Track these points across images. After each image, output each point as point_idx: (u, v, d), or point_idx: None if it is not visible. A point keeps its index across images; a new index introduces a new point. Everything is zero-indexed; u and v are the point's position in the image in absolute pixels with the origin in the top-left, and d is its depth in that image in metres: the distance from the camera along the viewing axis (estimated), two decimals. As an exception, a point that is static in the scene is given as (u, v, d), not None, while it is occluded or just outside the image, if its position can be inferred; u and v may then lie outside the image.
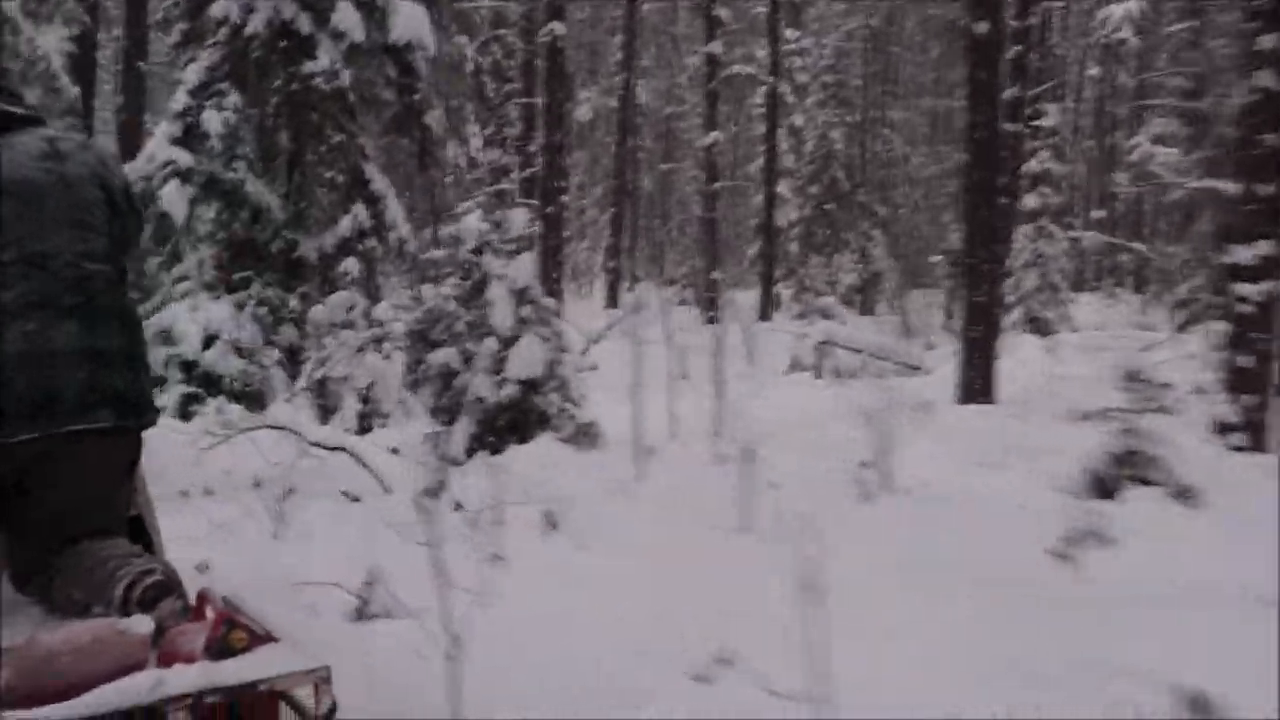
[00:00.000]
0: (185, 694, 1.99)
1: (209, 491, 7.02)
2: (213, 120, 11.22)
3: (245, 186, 11.35)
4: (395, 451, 7.74)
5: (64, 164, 2.74)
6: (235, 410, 10.26)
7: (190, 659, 2.11)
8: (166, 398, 10.22)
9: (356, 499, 6.41)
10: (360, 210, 11.68)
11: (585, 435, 8.27)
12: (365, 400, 9.46)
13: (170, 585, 2.44)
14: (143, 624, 2.20)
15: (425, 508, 4.02)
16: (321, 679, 2.13)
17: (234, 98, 11.31)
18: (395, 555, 4.49)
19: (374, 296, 10.95)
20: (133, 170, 11.41)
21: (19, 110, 2.80)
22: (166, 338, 10.76)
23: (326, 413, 9.42)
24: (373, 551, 4.74)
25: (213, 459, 7.56)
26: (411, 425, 9.12)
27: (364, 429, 9.23)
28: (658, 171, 42.55)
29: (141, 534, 2.91)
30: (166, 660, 2.16)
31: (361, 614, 4.33)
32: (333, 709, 2.16)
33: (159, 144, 11.40)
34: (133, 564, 2.47)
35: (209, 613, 2.36)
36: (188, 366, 10.57)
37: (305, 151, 12.13)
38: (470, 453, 7.53)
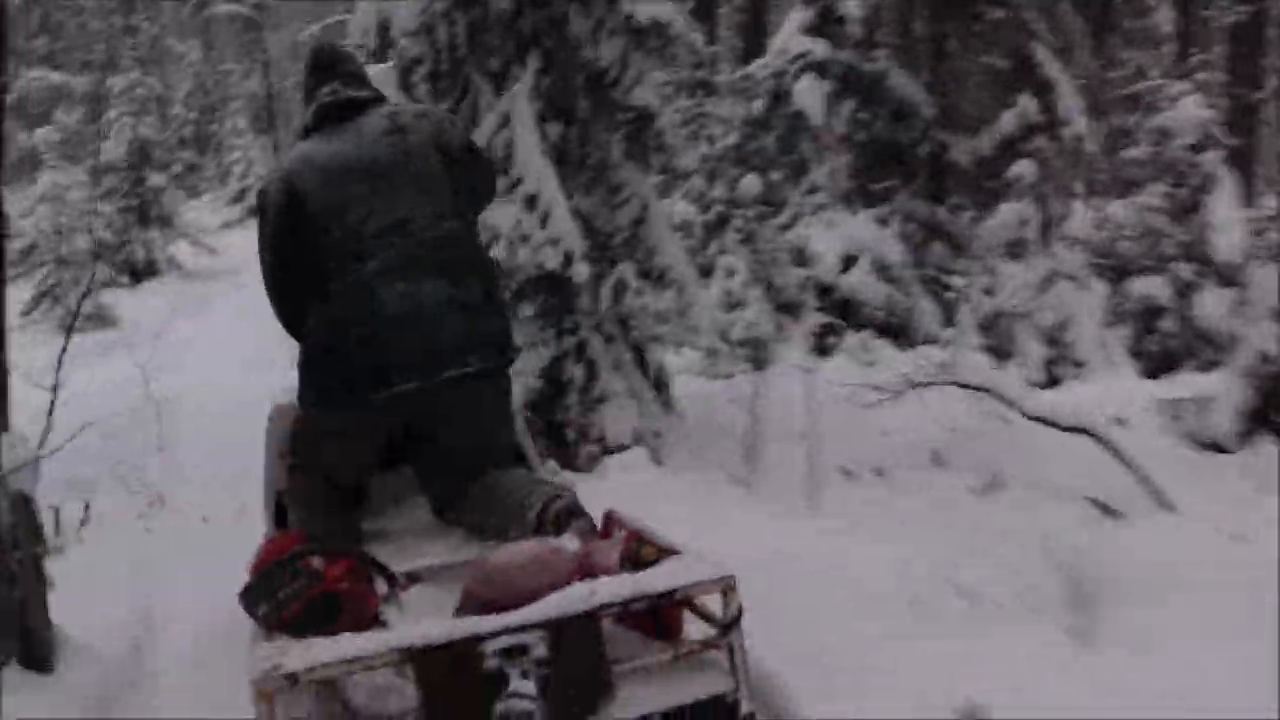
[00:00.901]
0: (615, 601, 2.19)
1: (879, 471, 5.33)
2: (851, 3, 9.51)
3: (887, 79, 9.53)
4: (1120, 423, 5.54)
5: (405, 137, 2.95)
6: (878, 346, 8.63)
7: (607, 571, 2.31)
8: (800, 327, 8.80)
9: (1110, 510, 4.33)
10: (1026, 102, 9.34)
11: None
12: (1052, 342, 7.32)
13: (576, 508, 2.70)
14: (571, 542, 2.44)
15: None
16: (729, 586, 2.27)
17: (878, -28, 9.48)
18: None
19: (1047, 210, 8.65)
20: (760, 67, 10.08)
21: (365, 94, 3.05)
22: (799, 258, 9.35)
23: (999, 356, 7.42)
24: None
25: (874, 418, 5.89)
26: (1119, 379, 6.84)
27: (1051, 380, 7.12)
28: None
29: (521, 459, 3.26)
30: (584, 573, 2.31)
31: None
32: (739, 613, 2.28)
33: (789, 34, 9.92)
34: (541, 489, 2.80)
35: (616, 531, 2.62)
36: (824, 291, 9.07)
37: (949, 34, 10.01)
38: (1245, 435, 5.14)
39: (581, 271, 5.56)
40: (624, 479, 5.07)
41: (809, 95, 9.49)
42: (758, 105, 9.92)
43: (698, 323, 6.20)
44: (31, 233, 12.44)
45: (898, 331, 8.96)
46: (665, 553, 2.38)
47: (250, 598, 2.34)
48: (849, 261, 9.19)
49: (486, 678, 2.07)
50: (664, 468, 5.17)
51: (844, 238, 9.29)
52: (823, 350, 8.64)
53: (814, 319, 8.86)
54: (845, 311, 8.99)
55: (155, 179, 15.93)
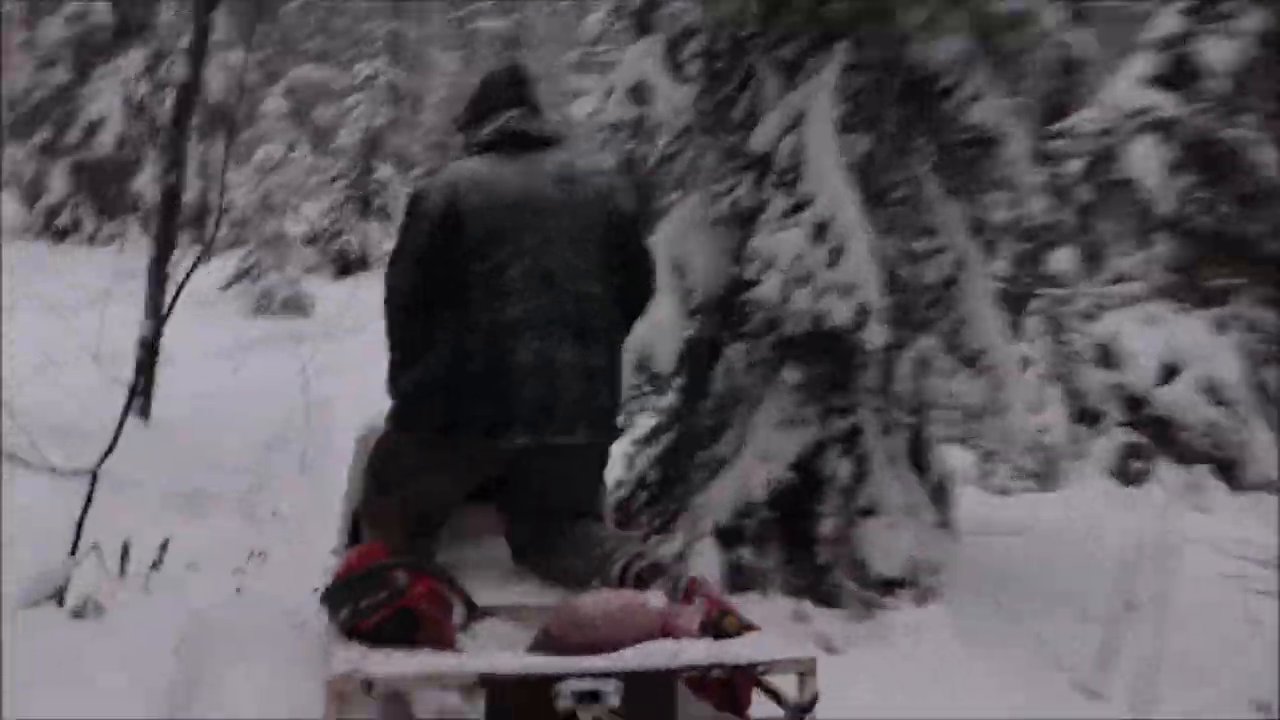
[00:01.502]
0: (697, 664, 2.21)
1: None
2: (1215, 51, 7.71)
3: (1247, 152, 7.66)
4: None
5: (575, 187, 2.86)
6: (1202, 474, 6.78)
7: (688, 634, 2.32)
8: (1103, 443, 7.02)
9: None
10: None
11: None
12: None
13: (661, 567, 2.71)
14: (657, 599, 2.42)
15: None
16: (809, 669, 2.25)
17: (1255, 18, 7.65)
18: None
19: None
20: (1085, 121, 8.36)
21: (546, 131, 2.95)
22: (1103, 356, 7.55)
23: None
24: None
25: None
26: None
27: None
28: None
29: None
30: (665, 632, 2.32)
31: None
32: (814, 699, 2.23)
33: (1127, 84, 8.17)
34: (627, 546, 2.78)
35: (698, 597, 2.54)
36: (1134, 404, 7.24)
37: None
38: None
39: (876, 335, 4.03)
40: (911, 649, 3.47)
41: (1145, 162, 7.72)
42: (1073, 166, 8.22)
43: (1011, 428, 4.58)
44: (241, 206, 11.83)
45: (1225, 466, 7.05)
46: (747, 628, 2.42)
47: (333, 600, 2.42)
48: (1169, 371, 7.34)
49: (556, 716, 2.07)
50: (964, 637, 3.54)
51: (1165, 341, 7.44)
52: (1127, 477, 6.83)
53: (1118, 435, 7.05)
54: (1159, 432, 7.14)
55: (384, 170, 15.28)
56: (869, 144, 4.40)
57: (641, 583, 2.58)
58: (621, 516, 4.54)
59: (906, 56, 4.41)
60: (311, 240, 15.11)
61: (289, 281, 11.16)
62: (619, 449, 3.98)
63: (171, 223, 5.96)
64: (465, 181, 2.78)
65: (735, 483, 4.37)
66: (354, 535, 3.15)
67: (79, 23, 15.36)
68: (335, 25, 34.36)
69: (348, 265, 14.66)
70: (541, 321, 2.72)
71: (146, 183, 16.08)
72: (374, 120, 14.98)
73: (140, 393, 5.84)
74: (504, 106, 2.93)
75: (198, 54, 6.40)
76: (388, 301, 2.91)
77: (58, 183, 16.04)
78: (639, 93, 4.24)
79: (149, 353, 5.81)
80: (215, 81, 16.60)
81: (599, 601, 2.36)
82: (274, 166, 11.25)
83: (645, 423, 4.79)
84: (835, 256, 4.05)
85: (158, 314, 5.78)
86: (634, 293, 3.00)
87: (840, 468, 4.36)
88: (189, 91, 6.42)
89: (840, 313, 3.99)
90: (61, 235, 15.79)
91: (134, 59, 15.62)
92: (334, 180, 15.21)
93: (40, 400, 5.21)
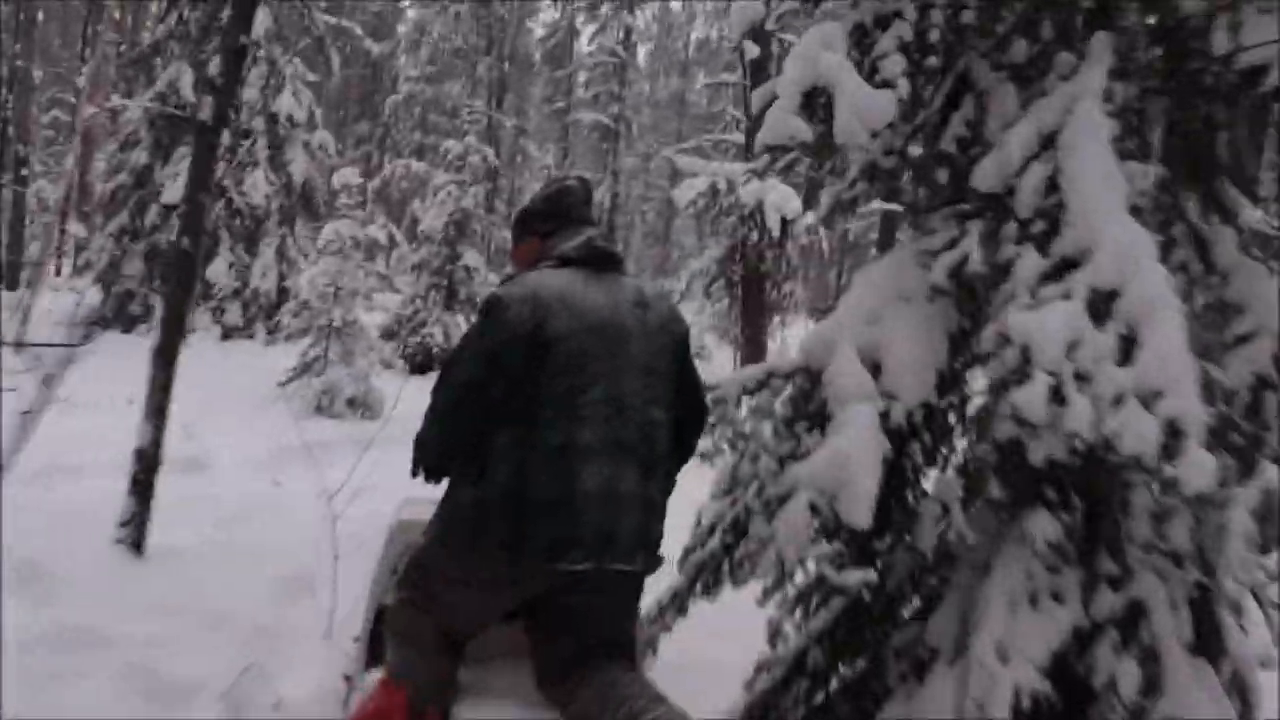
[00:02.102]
0: None
1: None
2: None
3: None
4: None
5: (648, 313, 2.85)
6: None
7: None
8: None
9: None
10: None
11: None
12: None
13: None
14: None
15: None
16: None
17: None
18: None
19: None
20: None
21: (618, 254, 2.94)
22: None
23: None
24: None
25: None
26: None
27: None
28: None
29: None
30: None
31: None
32: None
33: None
34: (657, 708, 2.62)
35: None
36: None
37: None
38: None
39: (1199, 470, 2.50)
40: None
41: None
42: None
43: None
44: (305, 290, 10.63)
45: None
46: None
47: None
48: None
49: None
50: None
51: None
52: None
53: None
54: None
55: (470, 256, 14.09)
56: (1155, 177, 2.93)
57: None
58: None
59: (1207, 45, 2.96)
60: (390, 334, 13.94)
61: (357, 378, 9.88)
62: (743, 600, 3.37)
63: (183, 303, 4.68)
64: (553, 298, 2.72)
65: (953, 689, 2.86)
66: (374, 638, 3.12)
67: (163, 102, 14.68)
68: (431, 122, 34.34)
69: (428, 360, 13.39)
70: (610, 449, 2.70)
71: (221, 271, 15.21)
72: (462, 202, 13.83)
73: (131, 520, 4.55)
74: (581, 222, 2.93)
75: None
76: (440, 405, 2.78)
77: (131, 268, 15.27)
78: (813, 101, 2.83)
79: (147, 468, 4.52)
80: (296, 164, 15.86)
81: None
82: (340, 248, 10.04)
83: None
84: (1126, 345, 2.57)
85: (158, 417, 4.50)
86: (691, 421, 3.00)
87: (1120, 669, 2.82)
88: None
89: (1141, 433, 2.49)
90: (132, 323, 14.94)
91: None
92: (416, 269, 14.07)
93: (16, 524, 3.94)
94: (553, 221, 2.92)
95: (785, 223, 12.27)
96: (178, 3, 15.98)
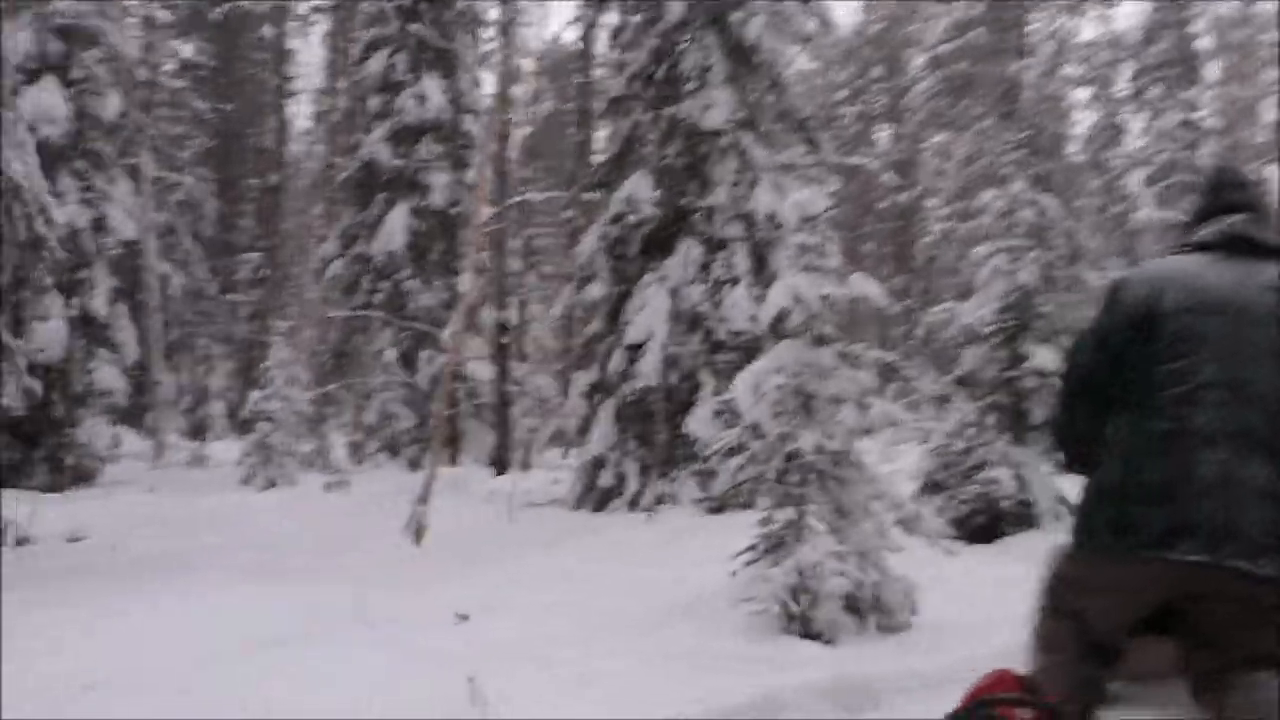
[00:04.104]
0: None
1: None
2: None
3: None
4: None
5: None
6: None
7: None
8: None
9: None
10: None
11: None
12: None
13: None
14: None
15: None
16: None
17: None
18: None
19: None
20: None
21: (1269, 241, 2.82)
22: None
23: None
24: None
25: None
26: None
27: None
28: None
29: None
30: None
31: None
32: None
33: None
34: None
35: None
36: None
37: None
38: None
39: None
40: None
41: None
42: None
43: None
44: (746, 402, 6.30)
45: None
46: None
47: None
48: None
49: None
50: None
51: None
52: None
53: None
54: None
55: (1042, 355, 9.13)
56: None
57: None
58: None
59: None
60: (932, 486, 9.29)
61: (857, 558, 5.38)
62: None
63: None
64: (1168, 277, 2.73)
65: None
66: None
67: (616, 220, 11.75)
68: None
69: (994, 522, 8.49)
70: (1231, 434, 2.55)
71: (704, 420, 11.56)
72: (1018, 277, 9.06)
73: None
74: (1227, 209, 2.83)
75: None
76: (1064, 377, 2.90)
77: (603, 435, 12.32)
78: None
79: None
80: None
81: None
82: (806, 323, 5.74)
83: None
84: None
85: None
86: None
87: None
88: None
89: None
90: (604, 500, 11.86)
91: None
92: (961, 382, 9.38)
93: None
94: (1202, 211, 2.85)
95: None
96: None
